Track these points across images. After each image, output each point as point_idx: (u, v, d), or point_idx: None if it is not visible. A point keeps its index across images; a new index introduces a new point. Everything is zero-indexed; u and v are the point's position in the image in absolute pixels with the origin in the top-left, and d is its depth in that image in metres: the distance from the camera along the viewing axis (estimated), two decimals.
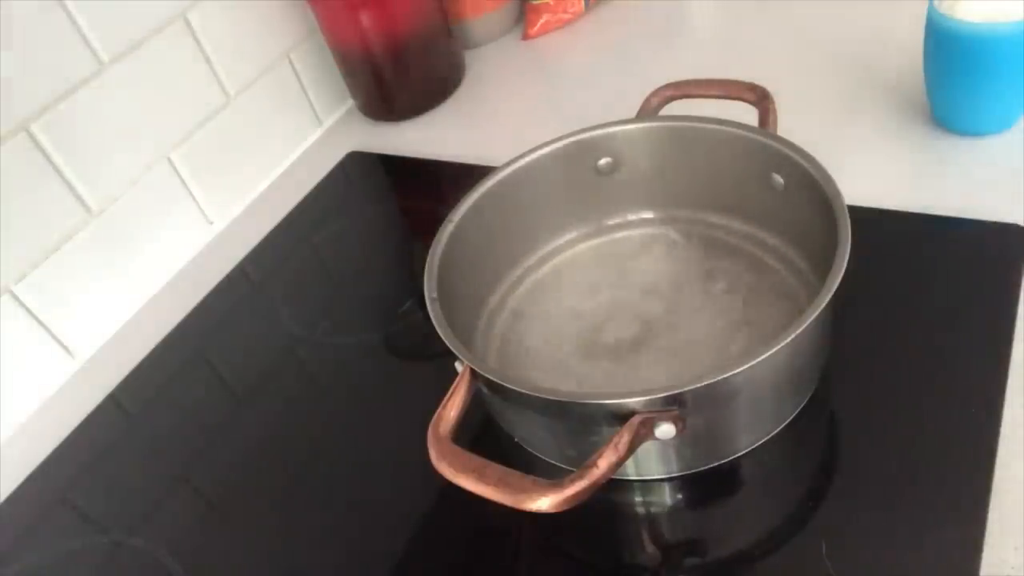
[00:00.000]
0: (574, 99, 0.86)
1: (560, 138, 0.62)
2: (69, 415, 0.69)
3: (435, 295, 0.53)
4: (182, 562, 0.57)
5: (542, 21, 0.96)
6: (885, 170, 0.67)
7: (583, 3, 0.96)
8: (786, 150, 0.55)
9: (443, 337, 0.50)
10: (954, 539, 0.45)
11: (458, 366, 0.50)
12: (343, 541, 0.56)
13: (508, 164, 0.61)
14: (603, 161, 0.62)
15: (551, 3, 0.96)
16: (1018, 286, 0.55)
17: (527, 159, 0.61)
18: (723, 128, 0.59)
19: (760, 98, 0.59)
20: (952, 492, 0.48)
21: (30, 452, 0.67)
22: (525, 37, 0.98)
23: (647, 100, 0.62)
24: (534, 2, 0.96)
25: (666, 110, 0.63)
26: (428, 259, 0.55)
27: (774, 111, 0.58)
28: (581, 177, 0.63)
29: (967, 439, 0.50)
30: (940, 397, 0.52)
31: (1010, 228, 0.59)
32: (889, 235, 0.61)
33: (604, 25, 0.96)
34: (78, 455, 0.66)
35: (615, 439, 0.43)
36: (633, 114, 0.63)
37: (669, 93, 0.62)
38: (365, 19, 0.84)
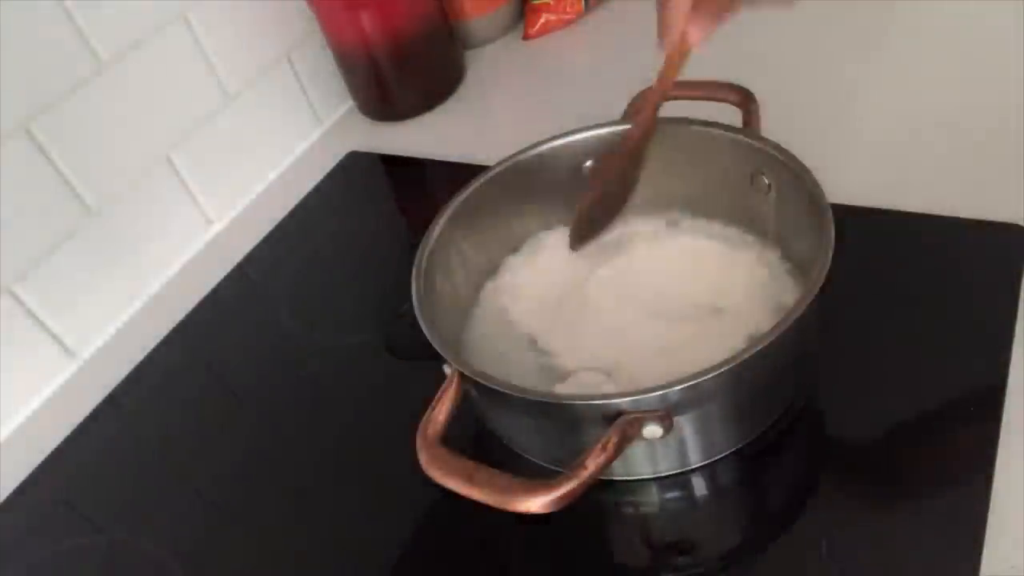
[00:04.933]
0: (574, 99, 0.86)
1: (543, 141, 0.62)
2: (69, 415, 0.69)
3: (422, 296, 0.53)
4: (182, 562, 0.57)
5: (542, 21, 0.96)
6: (882, 171, 0.67)
7: (583, 3, 0.96)
8: (770, 150, 0.56)
9: (430, 339, 0.50)
10: (954, 539, 0.46)
11: (447, 369, 0.50)
12: (342, 541, 0.56)
13: (495, 167, 0.61)
14: (588, 164, 0.63)
15: (551, 3, 0.96)
16: (1018, 286, 0.55)
17: (513, 161, 0.61)
18: (706, 129, 0.59)
19: (743, 99, 0.59)
20: (952, 492, 0.48)
21: (30, 452, 0.67)
22: (525, 37, 0.98)
23: (630, 103, 0.62)
24: (534, 2, 0.96)
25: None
26: (416, 260, 0.55)
27: (757, 112, 0.58)
28: (568, 179, 0.63)
29: (967, 440, 0.50)
30: (940, 397, 0.52)
31: (1010, 228, 0.59)
32: (888, 235, 0.61)
33: (604, 25, 0.96)
34: (78, 455, 0.66)
35: (603, 440, 0.44)
36: None
37: None
38: (365, 19, 0.84)
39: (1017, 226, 0.59)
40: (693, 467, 0.52)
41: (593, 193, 0.61)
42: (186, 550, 0.57)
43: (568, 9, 0.96)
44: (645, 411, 0.45)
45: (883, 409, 0.52)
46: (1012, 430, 0.49)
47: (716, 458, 0.52)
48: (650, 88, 0.57)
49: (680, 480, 0.52)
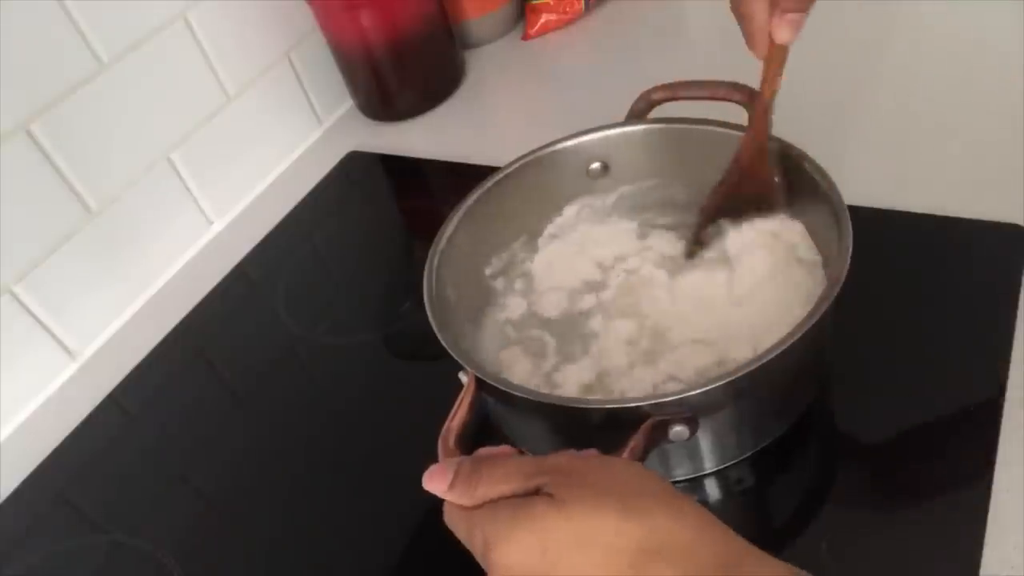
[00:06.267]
0: (574, 99, 0.86)
1: (547, 145, 0.61)
2: (69, 415, 0.69)
3: (435, 303, 0.52)
4: (182, 562, 0.57)
5: (542, 21, 0.96)
6: (883, 171, 0.67)
7: (583, 3, 0.96)
8: (783, 148, 0.55)
9: (450, 351, 0.49)
10: (954, 539, 0.46)
11: (462, 376, 0.50)
12: (342, 541, 0.56)
13: (504, 168, 0.61)
14: (593, 165, 0.62)
15: (551, 3, 0.96)
16: (1018, 286, 0.55)
17: (523, 162, 0.61)
18: (710, 128, 0.59)
19: (749, 98, 0.59)
20: (952, 492, 0.48)
21: (30, 452, 0.67)
22: (525, 37, 0.98)
23: (634, 104, 0.62)
24: (534, 2, 0.96)
25: (660, 112, 0.62)
26: (426, 268, 0.55)
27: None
28: (574, 181, 0.63)
29: (967, 439, 0.50)
30: (940, 396, 0.52)
31: (1010, 228, 0.59)
32: (889, 235, 0.61)
33: (604, 25, 0.96)
34: (78, 455, 0.66)
35: (631, 443, 0.43)
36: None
37: (657, 96, 0.62)
38: (365, 19, 0.84)
39: (1017, 226, 0.59)
40: (707, 472, 0.52)
41: (715, 198, 0.58)
42: (186, 550, 0.57)
43: (568, 9, 0.96)
44: (672, 413, 0.45)
45: (882, 408, 0.52)
46: (1012, 430, 0.49)
47: (731, 462, 0.52)
48: (755, 93, 0.55)
49: (692, 485, 0.52)
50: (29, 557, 0.60)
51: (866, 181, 0.64)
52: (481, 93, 0.93)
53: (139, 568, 0.58)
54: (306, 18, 0.88)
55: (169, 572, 0.56)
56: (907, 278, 0.59)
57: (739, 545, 0.34)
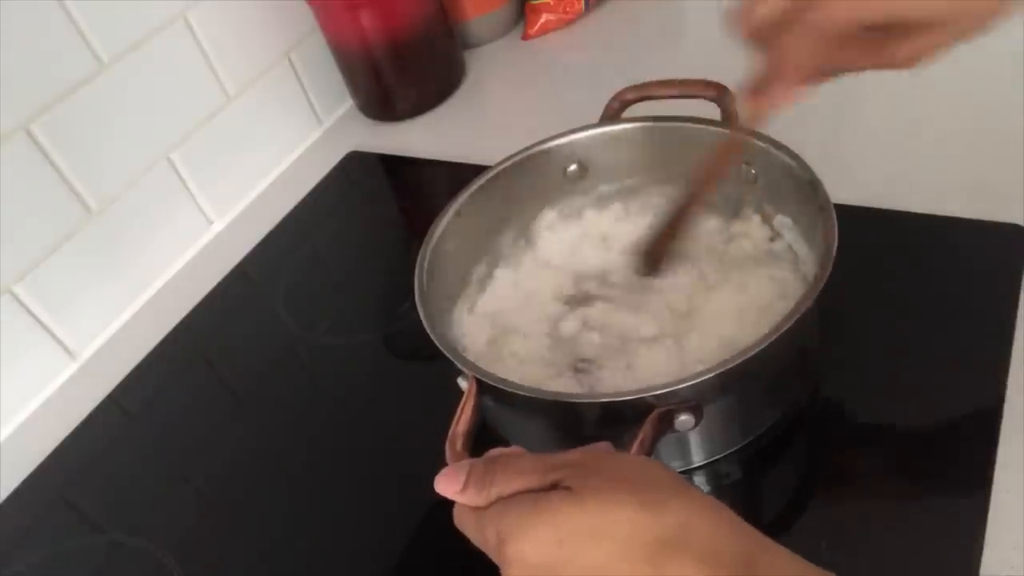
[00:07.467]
0: (574, 99, 0.86)
1: (526, 148, 0.62)
2: (69, 415, 0.69)
3: (428, 305, 0.52)
4: (182, 562, 0.57)
5: (542, 21, 0.96)
6: (882, 171, 0.67)
7: (583, 3, 0.96)
8: (756, 141, 0.55)
9: (449, 355, 0.49)
10: (954, 539, 0.46)
11: (462, 382, 0.49)
12: (342, 541, 0.56)
13: (496, 166, 0.61)
14: (571, 168, 0.63)
15: (551, 3, 0.96)
16: (1018, 286, 0.55)
17: (515, 160, 0.61)
18: (684, 125, 0.59)
19: (720, 94, 0.59)
20: (952, 492, 0.48)
21: (30, 452, 0.67)
22: (525, 37, 0.98)
23: (608, 104, 0.62)
24: (534, 2, 0.96)
25: (639, 112, 0.63)
26: (416, 271, 0.55)
27: (734, 105, 0.58)
28: (555, 183, 0.63)
29: (967, 439, 0.50)
30: (940, 397, 0.52)
31: (1010, 228, 0.59)
32: (888, 235, 0.61)
33: (604, 25, 0.96)
34: (78, 455, 0.66)
35: (640, 436, 0.43)
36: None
37: (630, 96, 0.62)
38: (365, 19, 0.84)
39: (1017, 226, 0.59)
40: (700, 464, 0.52)
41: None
42: (186, 550, 0.57)
43: (568, 9, 0.96)
44: (677, 403, 0.45)
45: (882, 408, 0.52)
46: (1012, 430, 0.49)
47: (724, 454, 0.52)
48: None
49: (687, 478, 0.52)
50: (29, 557, 0.60)
51: (865, 181, 0.64)
52: (481, 93, 0.93)
53: (139, 568, 0.58)
54: (306, 18, 0.88)
55: (169, 572, 0.56)
56: (907, 278, 0.59)
57: (758, 538, 0.34)
